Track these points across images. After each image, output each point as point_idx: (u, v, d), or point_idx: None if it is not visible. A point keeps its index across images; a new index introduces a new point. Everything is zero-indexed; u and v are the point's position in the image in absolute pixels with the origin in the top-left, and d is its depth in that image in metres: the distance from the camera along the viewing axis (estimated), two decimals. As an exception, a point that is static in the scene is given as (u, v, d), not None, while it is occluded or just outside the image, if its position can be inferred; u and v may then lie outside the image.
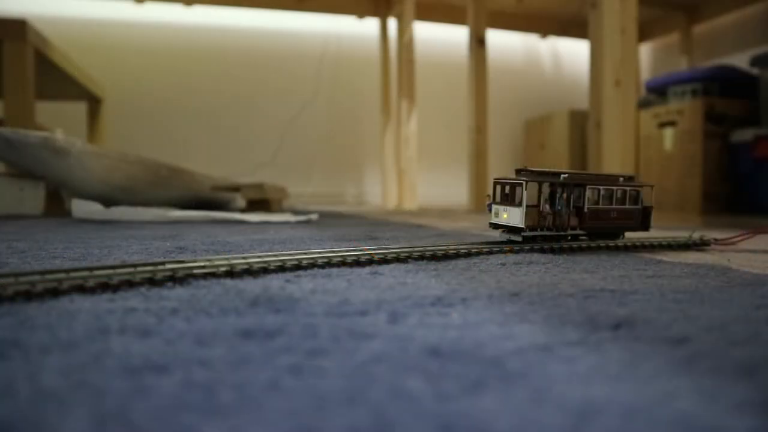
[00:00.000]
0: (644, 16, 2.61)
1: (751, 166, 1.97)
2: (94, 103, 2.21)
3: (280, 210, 1.61)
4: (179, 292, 0.36)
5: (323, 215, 1.51)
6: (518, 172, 0.63)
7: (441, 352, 0.24)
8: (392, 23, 2.64)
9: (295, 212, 1.52)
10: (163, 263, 0.41)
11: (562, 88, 3.13)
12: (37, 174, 1.26)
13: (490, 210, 0.64)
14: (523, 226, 0.60)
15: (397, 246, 0.56)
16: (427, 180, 2.79)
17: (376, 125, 2.75)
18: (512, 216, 0.61)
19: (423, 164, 2.69)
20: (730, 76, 2.10)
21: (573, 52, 3.15)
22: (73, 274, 0.36)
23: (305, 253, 0.49)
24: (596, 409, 0.18)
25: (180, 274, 0.39)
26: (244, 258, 0.45)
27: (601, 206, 0.66)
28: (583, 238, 0.67)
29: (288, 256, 0.47)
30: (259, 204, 1.50)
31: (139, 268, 0.39)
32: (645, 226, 0.71)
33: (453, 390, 0.20)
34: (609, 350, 0.25)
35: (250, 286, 0.38)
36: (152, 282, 0.38)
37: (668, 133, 2.18)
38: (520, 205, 0.60)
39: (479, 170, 2.16)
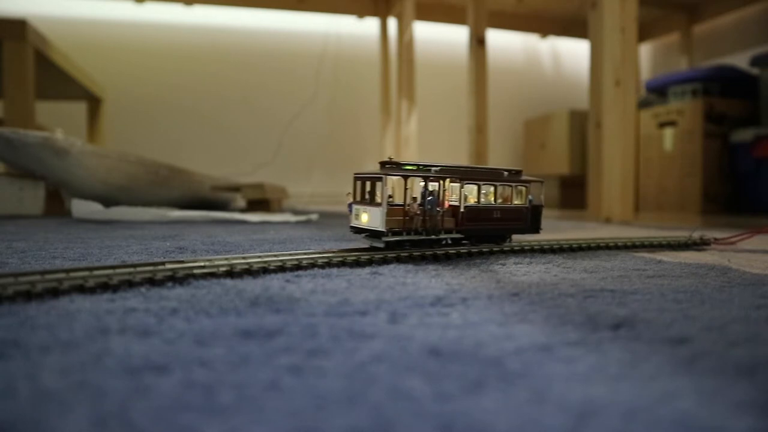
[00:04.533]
0: (644, 16, 2.61)
1: (751, 166, 1.97)
2: (94, 103, 2.21)
3: (280, 210, 1.61)
4: (179, 292, 0.36)
5: (323, 215, 1.51)
6: (383, 164, 0.53)
7: (441, 352, 0.24)
8: (392, 23, 2.64)
9: (295, 212, 1.52)
10: (163, 263, 0.41)
11: (562, 88, 3.14)
12: (37, 174, 1.26)
13: (351, 211, 0.55)
14: (384, 230, 0.50)
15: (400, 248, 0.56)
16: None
17: (376, 125, 2.75)
18: (373, 218, 0.51)
19: (423, 164, 2.69)
20: (730, 76, 2.10)
21: (573, 52, 3.15)
22: (73, 274, 0.36)
23: (305, 253, 0.49)
24: (596, 409, 0.18)
25: (180, 274, 0.39)
26: (244, 258, 0.45)
27: (481, 205, 0.58)
28: (465, 242, 0.60)
29: (288, 256, 0.47)
30: (259, 204, 1.50)
31: (139, 268, 0.39)
32: (535, 228, 0.64)
33: (453, 390, 0.20)
34: (609, 350, 0.25)
35: (250, 286, 0.38)
36: (152, 282, 0.38)
37: (668, 133, 2.17)
38: (380, 204, 0.50)
39: (479, 170, 2.15)
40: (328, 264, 0.48)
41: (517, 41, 3.09)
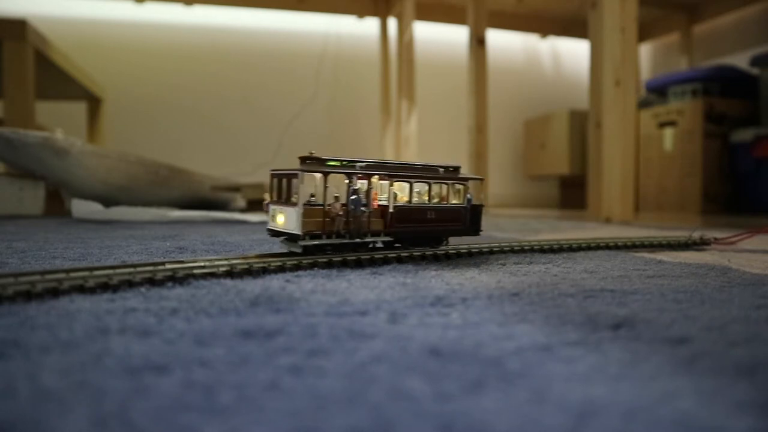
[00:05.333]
0: (644, 16, 2.61)
1: (751, 166, 1.97)
2: (94, 103, 2.21)
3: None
4: (179, 292, 0.36)
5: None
6: (303, 160, 0.48)
7: (441, 352, 0.24)
8: (392, 23, 2.64)
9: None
10: (163, 263, 0.41)
11: (562, 88, 3.13)
12: (37, 174, 1.26)
13: (268, 211, 0.50)
14: (300, 233, 0.46)
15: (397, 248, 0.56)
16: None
17: (376, 125, 2.75)
18: (289, 219, 0.47)
19: (423, 164, 2.69)
20: (730, 76, 2.10)
21: (573, 52, 3.15)
22: (73, 274, 0.36)
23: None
24: (596, 409, 0.18)
25: (180, 274, 0.39)
26: (244, 258, 0.45)
27: (414, 205, 0.53)
28: (397, 245, 0.55)
29: (288, 256, 0.47)
30: (259, 204, 1.50)
31: (139, 268, 0.39)
32: (474, 229, 0.59)
33: (453, 390, 0.20)
34: (609, 350, 0.25)
35: (250, 286, 0.38)
36: (152, 282, 0.38)
37: (668, 133, 2.17)
38: (296, 204, 0.46)
39: (479, 170, 2.16)
40: (329, 264, 0.48)
41: (517, 41, 3.09)
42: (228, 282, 0.39)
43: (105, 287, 0.36)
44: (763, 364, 0.23)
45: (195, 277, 0.40)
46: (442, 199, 0.56)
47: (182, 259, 0.44)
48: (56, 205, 1.42)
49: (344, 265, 0.49)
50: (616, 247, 0.66)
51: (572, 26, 2.93)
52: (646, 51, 3.13)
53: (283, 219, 0.48)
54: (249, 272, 0.43)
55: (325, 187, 0.47)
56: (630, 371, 0.22)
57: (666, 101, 2.21)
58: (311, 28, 2.77)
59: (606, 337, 0.27)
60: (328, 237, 0.48)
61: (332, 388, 0.20)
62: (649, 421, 0.17)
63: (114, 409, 0.18)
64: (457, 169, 0.59)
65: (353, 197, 0.48)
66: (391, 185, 0.51)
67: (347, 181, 0.49)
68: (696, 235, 0.72)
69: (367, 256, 0.50)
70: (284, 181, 0.48)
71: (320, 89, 2.79)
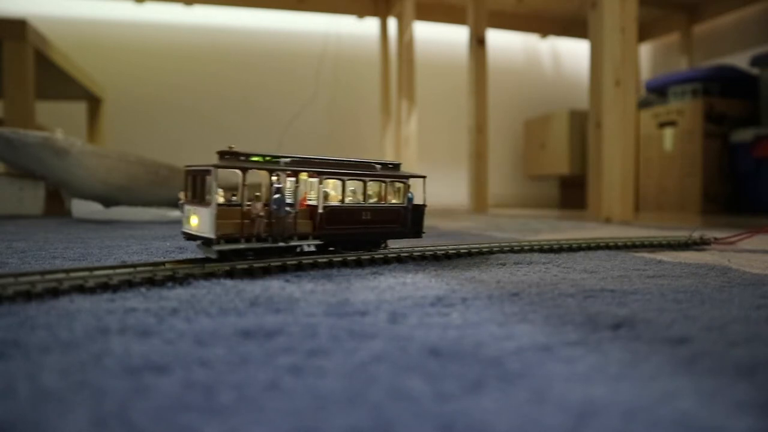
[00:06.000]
0: (644, 16, 2.61)
1: (751, 166, 1.97)
2: (94, 103, 2.21)
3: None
4: (179, 292, 0.36)
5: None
6: (221, 155, 0.43)
7: (441, 352, 0.24)
8: (392, 23, 2.64)
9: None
10: (163, 263, 0.41)
11: (562, 88, 3.13)
12: (37, 174, 1.26)
13: (183, 212, 0.46)
14: (212, 236, 0.41)
15: (397, 246, 0.56)
16: (427, 180, 2.78)
17: (376, 125, 2.75)
18: (202, 221, 0.42)
19: (423, 164, 2.69)
20: (730, 76, 2.10)
21: (573, 52, 3.15)
22: (73, 274, 0.36)
23: (305, 254, 0.49)
24: (596, 409, 0.18)
25: (180, 274, 0.39)
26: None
27: (346, 205, 0.49)
28: (331, 250, 0.51)
29: (288, 256, 0.47)
30: (259, 204, 1.49)
31: (139, 268, 0.39)
32: (416, 231, 0.55)
33: (453, 390, 0.20)
34: (609, 350, 0.25)
35: (250, 286, 0.38)
36: (152, 282, 0.38)
37: (668, 133, 2.17)
38: (209, 204, 0.41)
39: (479, 170, 2.16)
40: (329, 264, 0.48)
41: (517, 41, 3.09)
42: (228, 282, 0.39)
43: (105, 287, 0.36)
44: (763, 364, 0.23)
45: (195, 277, 0.40)
46: (380, 198, 0.52)
47: (182, 259, 0.44)
48: (56, 205, 1.41)
49: (344, 264, 0.49)
50: (616, 247, 0.66)
51: (572, 26, 2.93)
52: (646, 51, 3.13)
53: (197, 221, 0.43)
54: (249, 272, 0.43)
55: (243, 185, 0.43)
56: (630, 371, 0.22)
57: (666, 101, 2.21)
58: (311, 28, 2.77)
59: (606, 337, 0.27)
60: (248, 240, 0.43)
61: (332, 388, 0.20)
62: (649, 421, 0.17)
63: (114, 409, 0.18)
64: (396, 166, 0.54)
65: (276, 196, 0.44)
66: (321, 183, 0.47)
67: (275, 178, 0.44)
68: (696, 235, 0.72)
69: (368, 257, 0.50)
70: (198, 178, 0.43)
71: (320, 89, 2.79)
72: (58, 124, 1.99)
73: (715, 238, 0.72)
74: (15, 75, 1.36)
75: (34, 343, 0.24)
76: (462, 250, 0.57)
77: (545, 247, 0.61)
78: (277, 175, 0.44)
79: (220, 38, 2.66)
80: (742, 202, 2.05)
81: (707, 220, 1.48)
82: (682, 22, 2.76)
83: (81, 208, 1.15)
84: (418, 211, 0.55)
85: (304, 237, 0.47)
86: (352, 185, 0.51)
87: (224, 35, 2.67)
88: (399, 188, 0.54)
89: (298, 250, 0.48)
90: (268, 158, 0.45)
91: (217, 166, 0.41)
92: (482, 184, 2.16)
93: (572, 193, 2.72)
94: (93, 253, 0.57)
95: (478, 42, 2.15)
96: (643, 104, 2.30)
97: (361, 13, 2.75)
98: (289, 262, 0.46)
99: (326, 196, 0.49)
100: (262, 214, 0.43)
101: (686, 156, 2.10)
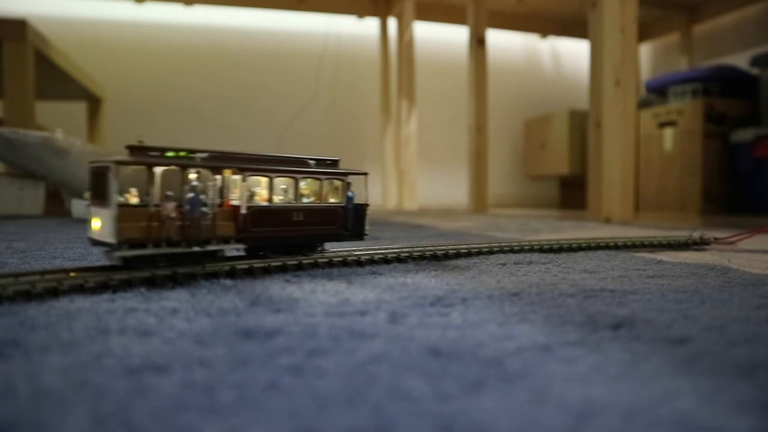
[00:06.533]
0: (644, 16, 2.61)
1: (751, 166, 1.97)
2: (94, 103, 2.21)
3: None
4: (179, 292, 0.36)
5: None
6: (131, 150, 0.39)
7: (441, 352, 0.24)
8: (392, 23, 2.64)
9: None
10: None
11: (562, 88, 3.14)
12: (37, 174, 1.26)
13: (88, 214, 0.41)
14: (113, 241, 0.37)
15: (397, 246, 0.56)
16: (427, 180, 2.79)
17: (376, 125, 2.75)
18: (104, 224, 0.38)
19: (423, 164, 2.69)
20: (730, 76, 2.10)
21: (573, 52, 3.15)
22: (72, 274, 0.36)
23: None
24: (596, 409, 0.18)
25: (180, 274, 0.39)
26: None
27: (274, 205, 0.45)
28: (263, 254, 0.47)
29: (288, 256, 0.47)
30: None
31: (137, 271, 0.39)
32: (357, 233, 0.51)
33: (453, 390, 0.20)
34: (609, 350, 0.25)
35: (250, 286, 0.38)
36: (152, 282, 0.38)
37: (668, 133, 2.17)
38: (109, 205, 0.37)
39: (479, 170, 2.16)
40: (329, 264, 0.48)
41: (517, 41, 3.09)
42: (228, 282, 0.39)
43: (105, 287, 0.36)
44: (763, 364, 0.23)
45: (195, 277, 0.40)
46: (317, 197, 0.48)
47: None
48: (56, 205, 1.41)
49: (344, 264, 0.49)
50: (616, 247, 0.66)
51: (572, 26, 2.93)
52: (646, 51, 3.13)
53: (99, 224, 0.39)
54: (249, 272, 0.43)
55: (150, 183, 0.38)
56: (630, 371, 0.22)
57: (666, 101, 2.21)
58: (311, 28, 2.77)
59: (606, 337, 0.27)
60: (157, 245, 0.39)
61: (332, 388, 0.20)
62: (649, 421, 0.17)
63: (114, 409, 0.18)
64: (335, 162, 0.50)
65: (190, 195, 0.39)
66: (244, 180, 0.43)
67: (194, 175, 0.40)
68: (696, 235, 0.72)
69: (368, 256, 0.50)
70: (101, 176, 0.38)
71: (320, 89, 2.79)
72: (58, 124, 1.99)
73: (715, 238, 0.72)
74: (15, 75, 1.36)
75: (34, 343, 0.24)
76: (462, 250, 0.57)
77: (545, 247, 0.61)
78: (198, 172, 0.40)
79: (220, 38, 2.66)
80: (742, 202, 2.05)
81: (707, 220, 1.48)
82: (682, 22, 2.76)
83: (81, 208, 1.15)
84: (360, 211, 0.51)
85: (226, 240, 0.42)
86: (283, 183, 0.46)
87: (224, 35, 2.67)
88: (338, 187, 0.50)
89: (219, 255, 0.43)
90: (183, 154, 0.40)
91: (118, 162, 0.37)
92: (482, 184, 2.16)
93: (572, 193, 2.72)
94: (93, 253, 0.57)
95: (478, 42, 2.15)
96: (643, 104, 2.30)
97: (361, 13, 2.75)
98: (289, 262, 0.46)
99: (252, 195, 0.44)
100: (173, 215, 0.39)
101: (686, 156, 2.10)
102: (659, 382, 0.21)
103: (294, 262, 0.46)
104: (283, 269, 0.45)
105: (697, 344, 0.26)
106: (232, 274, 0.42)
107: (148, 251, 0.38)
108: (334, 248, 0.51)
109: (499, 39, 2.93)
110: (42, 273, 0.36)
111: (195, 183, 0.40)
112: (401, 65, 2.47)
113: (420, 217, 1.55)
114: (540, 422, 0.17)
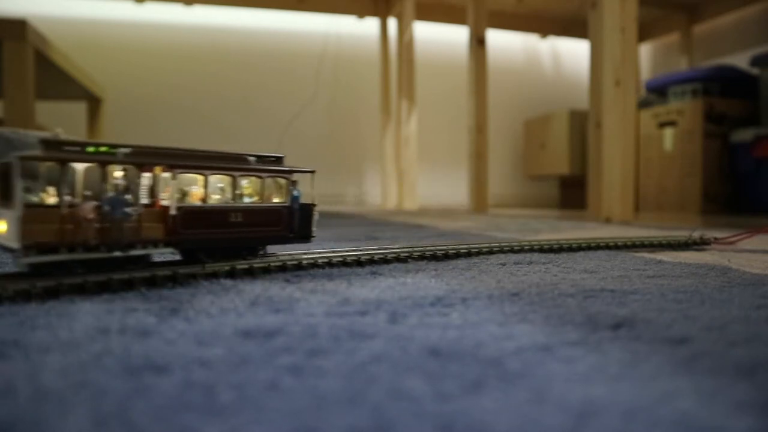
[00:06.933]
0: (644, 16, 2.61)
1: (751, 166, 1.97)
2: (94, 103, 2.21)
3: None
4: (179, 292, 0.36)
5: (323, 215, 1.51)
6: (45, 144, 0.35)
7: (441, 352, 0.24)
8: (392, 23, 2.64)
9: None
10: (163, 263, 0.41)
11: (562, 88, 3.13)
12: (37, 174, 1.26)
13: None
14: (17, 246, 0.34)
15: (397, 246, 0.56)
16: (427, 180, 2.79)
17: (376, 125, 2.75)
18: (10, 227, 0.35)
19: (423, 164, 2.69)
20: (730, 76, 2.10)
21: (573, 52, 3.15)
22: (73, 274, 0.36)
23: (305, 253, 0.49)
24: (596, 409, 0.18)
25: (181, 274, 0.39)
26: (244, 258, 0.45)
27: (208, 205, 0.42)
28: (204, 257, 0.43)
29: (288, 256, 0.47)
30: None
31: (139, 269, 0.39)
32: (304, 234, 0.48)
33: (453, 390, 0.20)
34: (609, 350, 0.25)
35: (250, 286, 0.38)
36: (152, 282, 0.38)
37: (668, 133, 2.17)
38: (13, 205, 0.34)
39: (479, 170, 2.16)
40: (329, 264, 0.48)
41: (517, 41, 3.09)
42: (228, 282, 0.39)
43: (105, 287, 0.36)
44: (763, 364, 0.23)
45: (195, 277, 0.40)
46: (259, 197, 0.45)
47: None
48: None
49: (344, 264, 0.48)
50: (616, 247, 0.66)
51: (572, 26, 2.93)
52: (646, 51, 3.13)
53: (5, 226, 0.35)
54: (249, 272, 0.43)
55: (62, 181, 0.35)
56: (630, 371, 0.22)
57: (666, 101, 2.21)
58: (311, 28, 2.77)
59: (606, 337, 0.27)
60: (72, 250, 0.35)
61: (332, 388, 0.20)
62: (649, 421, 0.17)
63: (114, 409, 0.18)
64: (279, 159, 0.47)
65: (110, 195, 0.36)
66: (174, 178, 0.39)
67: (120, 173, 0.37)
68: (696, 235, 0.72)
69: (368, 256, 0.50)
70: (7, 174, 0.35)
71: (320, 89, 2.79)
72: (58, 124, 1.99)
73: (715, 238, 0.72)
74: (15, 75, 1.36)
75: (34, 343, 0.24)
76: (462, 250, 0.57)
77: (545, 247, 0.61)
78: (125, 170, 0.37)
79: (220, 38, 2.66)
80: (742, 202, 2.05)
81: (707, 220, 1.48)
82: (682, 22, 2.76)
83: None
84: (306, 211, 0.48)
85: (154, 243, 0.39)
86: (221, 182, 0.43)
87: (224, 35, 2.67)
88: (281, 185, 0.47)
89: (146, 260, 0.40)
90: (105, 149, 0.37)
91: (22, 158, 0.33)
92: (482, 184, 2.16)
93: (572, 193, 2.72)
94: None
95: (478, 42, 2.15)
96: (643, 104, 2.30)
97: (361, 13, 2.75)
98: (289, 262, 0.46)
99: (185, 194, 0.41)
100: (91, 216, 0.35)
101: (686, 156, 2.10)
102: (659, 382, 0.21)
103: (294, 262, 0.46)
104: (282, 269, 0.45)
105: (697, 344, 0.26)
106: (232, 274, 0.42)
107: (61, 257, 0.35)
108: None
109: (499, 39, 2.93)
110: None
111: (118, 181, 0.37)
112: (401, 65, 2.47)
113: (420, 217, 1.55)
114: (540, 422, 0.17)
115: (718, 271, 0.49)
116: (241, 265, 0.43)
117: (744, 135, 1.98)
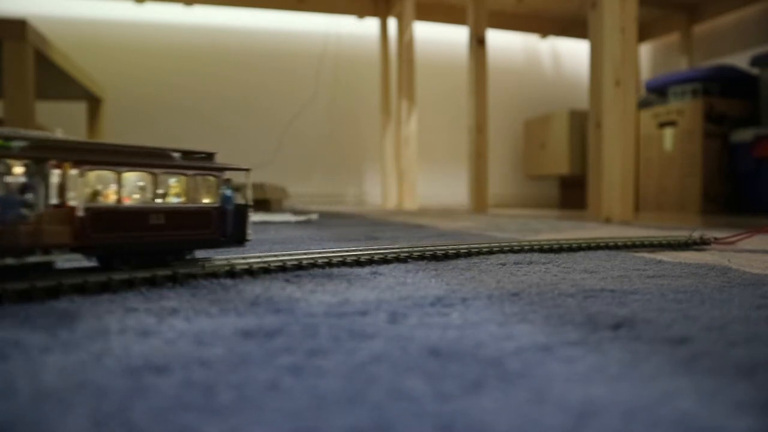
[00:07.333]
0: (644, 16, 2.61)
1: (751, 166, 1.97)
2: (94, 103, 2.21)
3: (280, 210, 1.61)
4: (179, 292, 0.36)
5: (323, 215, 1.51)
6: None
7: (441, 352, 0.24)
8: (392, 23, 2.64)
9: (295, 212, 1.52)
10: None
11: (562, 88, 3.14)
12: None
13: None
14: None
15: (397, 246, 0.56)
16: (427, 180, 2.79)
17: (376, 125, 2.75)
18: None
19: (423, 164, 2.69)
20: (730, 76, 2.10)
21: (573, 52, 3.15)
22: (73, 274, 0.36)
23: (305, 253, 0.49)
24: (596, 409, 0.18)
25: (180, 274, 0.39)
26: (243, 258, 0.45)
27: (123, 206, 0.37)
28: (119, 264, 0.39)
29: (288, 256, 0.47)
30: (259, 204, 1.50)
31: (139, 269, 0.39)
32: (237, 238, 0.44)
33: (453, 390, 0.20)
34: (609, 350, 0.25)
35: (250, 286, 0.38)
36: (152, 282, 0.38)
37: (668, 133, 2.17)
38: None
39: (479, 170, 2.16)
40: (329, 264, 0.48)
41: (517, 41, 3.09)
42: (228, 282, 0.39)
43: (105, 287, 0.36)
44: (763, 364, 0.23)
45: (195, 277, 0.40)
46: (186, 197, 0.41)
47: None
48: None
49: (344, 264, 0.48)
50: (616, 247, 0.66)
51: (572, 26, 2.93)
52: (646, 51, 3.13)
53: None
54: (249, 272, 0.43)
55: None
56: (630, 371, 0.22)
57: (666, 101, 2.21)
58: (311, 28, 2.78)
59: (606, 337, 0.27)
60: None
61: (332, 388, 0.20)
62: (649, 421, 0.17)
63: (114, 409, 0.18)
64: (209, 156, 0.43)
65: (0, 194, 0.32)
66: (82, 176, 0.35)
67: (20, 169, 0.33)
68: (696, 235, 0.72)
69: (368, 256, 0.50)
70: None
71: (320, 89, 2.79)
72: (58, 124, 1.99)
73: (715, 238, 0.72)
74: (15, 75, 1.36)
75: (34, 343, 0.24)
76: (462, 250, 0.57)
77: (545, 247, 0.61)
78: (26, 166, 0.33)
79: (220, 38, 2.66)
80: (742, 202, 2.05)
81: (707, 220, 1.48)
82: (682, 22, 2.76)
83: (81, 208, 1.15)
84: (241, 213, 0.44)
85: (59, 248, 0.34)
86: (135, 179, 0.38)
87: (224, 35, 2.67)
88: (211, 184, 0.43)
89: (50, 268, 0.36)
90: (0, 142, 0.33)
91: None
92: (482, 184, 2.16)
93: (572, 193, 2.72)
94: (93, 253, 0.57)
95: (478, 42, 2.15)
96: (643, 104, 2.30)
97: (361, 13, 2.75)
98: (289, 262, 0.46)
99: (96, 194, 0.37)
100: None
101: (686, 156, 2.10)
102: (659, 382, 0.21)
103: (294, 262, 0.46)
104: (282, 269, 0.45)
105: (697, 344, 0.26)
106: (232, 274, 0.42)
107: None
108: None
109: (499, 39, 2.93)
110: None
111: (11, 179, 0.32)
112: (401, 65, 2.47)
113: (420, 217, 1.55)
114: (540, 422, 0.17)
115: (718, 271, 0.49)
116: (241, 264, 0.43)
117: (744, 135, 1.98)
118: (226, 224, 0.43)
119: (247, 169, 0.45)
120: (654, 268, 0.51)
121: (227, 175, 0.44)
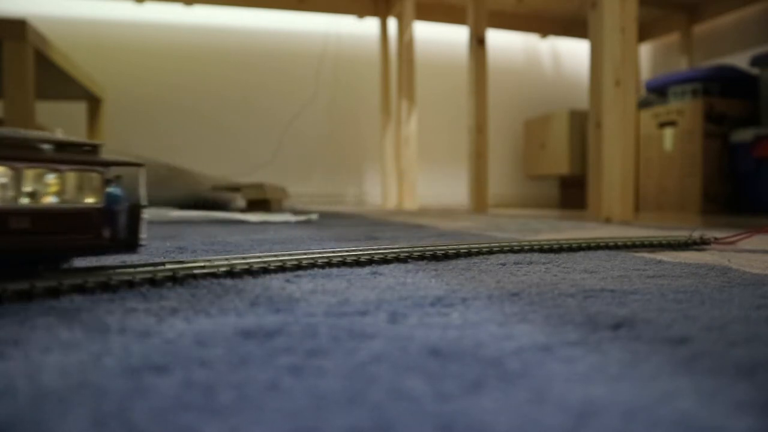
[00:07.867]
0: (644, 16, 2.61)
1: (751, 166, 1.97)
2: (93, 103, 2.21)
3: (280, 210, 1.61)
4: (179, 292, 0.36)
5: (323, 215, 1.51)
6: None
7: (441, 352, 0.24)
8: (392, 23, 2.64)
9: (295, 212, 1.52)
10: (163, 263, 0.41)
11: (562, 88, 3.14)
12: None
13: None
14: None
15: (397, 246, 0.56)
16: (427, 180, 2.79)
17: (376, 125, 2.75)
18: None
19: (423, 164, 2.69)
20: (730, 76, 2.10)
21: (573, 52, 3.15)
22: (73, 274, 0.36)
23: (305, 253, 0.49)
24: (596, 409, 0.18)
25: (180, 274, 0.39)
26: (244, 258, 0.45)
27: None
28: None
29: (288, 256, 0.47)
30: (259, 204, 1.50)
31: (139, 269, 0.39)
32: (128, 243, 0.37)
33: (453, 390, 0.20)
34: (609, 350, 0.25)
35: (250, 286, 0.38)
36: (152, 282, 0.38)
37: (668, 133, 2.18)
38: None
39: (479, 170, 2.16)
40: (328, 264, 0.48)
41: (517, 41, 3.09)
42: (228, 282, 0.39)
43: (105, 287, 0.36)
44: (763, 364, 0.23)
45: (195, 277, 0.40)
46: (62, 197, 0.35)
47: (182, 259, 0.44)
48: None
49: (344, 264, 0.48)
50: (616, 247, 0.66)
51: (572, 26, 2.93)
52: (646, 51, 3.13)
53: None
54: (249, 272, 0.43)
55: None
56: (630, 371, 0.22)
57: (666, 101, 2.21)
58: (311, 28, 2.78)
59: (606, 337, 0.27)
60: None
61: (332, 388, 0.20)
62: (649, 421, 0.17)
63: (114, 409, 0.18)
64: (94, 148, 0.36)
65: None
66: None
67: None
68: (696, 235, 0.72)
69: (368, 256, 0.50)
70: None
71: (320, 89, 2.79)
72: (58, 124, 1.99)
73: (715, 238, 0.72)
74: (15, 75, 1.36)
75: (34, 343, 0.24)
76: (462, 250, 0.57)
77: (545, 247, 0.61)
78: None
79: (220, 38, 2.66)
80: (742, 202, 2.05)
81: (707, 220, 1.48)
82: (682, 22, 2.76)
83: None
84: (133, 214, 0.38)
85: None
86: (4, 176, 0.32)
87: (224, 35, 2.67)
88: (93, 180, 0.36)
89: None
90: None
91: None
92: (482, 184, 2.16)
93: (572, 193, 2.72)
94: (93, 253, 0.57)
95: (478, 42, 2.15)
96: (643, 104, 2.30)
97: (361, 13, 2.75)
98: (289, 262, 0.46)
99: None
100: None
101: (686, 156, 2.10)
102: (659, 382, 0.21)
103: (294, 262, 0.46)
104: (282, 269, 0.45)
105: (697, 344, 0.26)
106: (232, 273, 0.42)
107: None
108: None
109: (499, 39, 2.93)
110: None
111: None
112: (401, 65, 2.47)
113: (420, 217, 1.55)
114: (540, 422, 0.17)
115: (718, 271, 0.49)
116: (241, 264, 0.43)
117: (744, 135, 1.98)
118: (115, 227, 0.36)
119: (139, 165, 0.38)
120: (654, 268, 0.51)
121: (116, 170, 0.37)
